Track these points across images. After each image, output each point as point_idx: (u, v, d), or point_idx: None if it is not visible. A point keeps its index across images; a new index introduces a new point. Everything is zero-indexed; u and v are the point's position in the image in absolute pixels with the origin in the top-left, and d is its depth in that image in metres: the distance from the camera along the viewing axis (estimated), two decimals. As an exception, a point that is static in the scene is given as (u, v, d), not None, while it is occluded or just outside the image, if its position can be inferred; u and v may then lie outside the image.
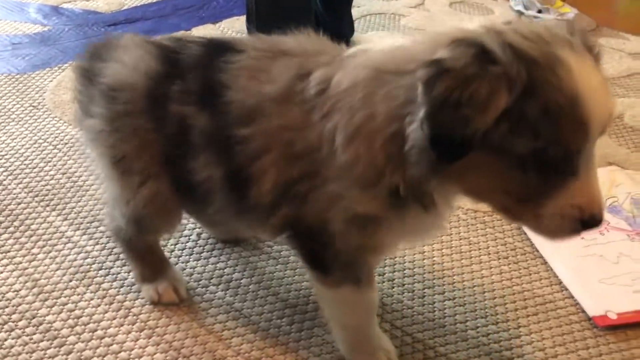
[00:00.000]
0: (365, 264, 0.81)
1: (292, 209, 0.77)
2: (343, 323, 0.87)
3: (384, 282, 1.06)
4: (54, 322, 0.97)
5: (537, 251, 1.13)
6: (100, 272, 1.07)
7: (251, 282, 1.05)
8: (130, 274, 1.04)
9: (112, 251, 1.10)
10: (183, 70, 0.82)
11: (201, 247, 1.12)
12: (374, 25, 2.04)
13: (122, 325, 0.98)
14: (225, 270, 1.08)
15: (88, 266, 1.08)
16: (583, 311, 1.02)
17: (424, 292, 1.04)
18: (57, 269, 1.07)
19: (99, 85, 0.87)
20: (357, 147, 0.69)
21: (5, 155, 1.37)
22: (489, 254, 1.14)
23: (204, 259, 1.09)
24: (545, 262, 1.11)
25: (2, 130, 1.46)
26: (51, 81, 1.67)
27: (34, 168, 1.32)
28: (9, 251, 1.11)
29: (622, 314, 1.00)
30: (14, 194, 1.24)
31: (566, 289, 1.06)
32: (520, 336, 0.98)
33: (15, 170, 1.31)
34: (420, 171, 0.66)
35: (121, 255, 1.07)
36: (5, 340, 0.94)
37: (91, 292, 1.03)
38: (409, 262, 1.10)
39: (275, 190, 0.76)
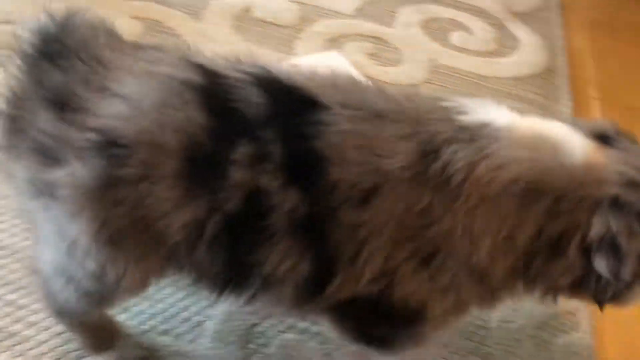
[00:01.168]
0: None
1: (379, 291, 0.62)
2: None
3: None
4: None
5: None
6: None
7: None
8: None
9: None
10: (247, 126, 0.55)
11: None
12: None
13: None
14: None
15: None
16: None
17: None
18: None
19: (85, 130, 0.54)
20: (496, 258, 0.61)
21: None
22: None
23: None
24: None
25: None
26: None
27: None
28: None
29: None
30: None
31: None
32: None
33: None
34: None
35: None
36: None
37: None
38: None
39: (378, 277, 0.61)
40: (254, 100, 0.56)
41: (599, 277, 0.60)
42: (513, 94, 1.35)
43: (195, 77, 0.56)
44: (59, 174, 0.55)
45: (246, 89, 0.57)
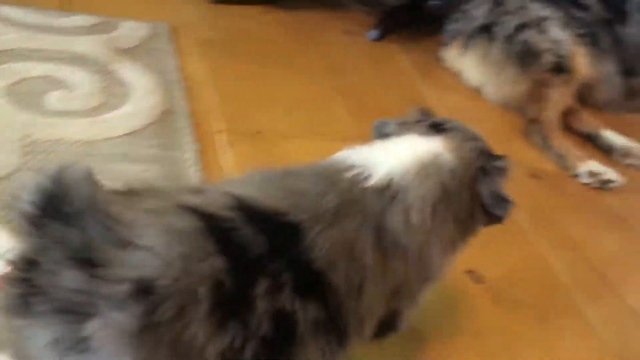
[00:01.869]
0: None
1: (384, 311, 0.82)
2: None
3: None
4: None
5: None
6: None
7: None
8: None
9: None
10: (259, 263, 0.66)
11: None
12: None
13: None
14: None
15: None
16: None
17: None
18: None
19: (117, 282, 0.57)
20: (443, 257, 0.88)
21: None
22: None
23: None
24: None
25: None
26: None
27: None
28: None
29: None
30: None
31: None
32: None
33: None
34: None
35: None
36: None
37: None
38: None
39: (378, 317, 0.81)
40: (254, 238, 0.67)
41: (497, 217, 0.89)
42: (130, 155, 1.21)
43: (201, 225, 0.64)
44: (93, 327, 0.58)
45: (243, 229, 0.67)
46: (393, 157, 0.80)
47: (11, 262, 0.60)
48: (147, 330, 0.59)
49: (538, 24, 1.77)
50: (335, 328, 0.73)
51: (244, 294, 0.64)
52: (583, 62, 1.78)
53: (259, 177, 0.76)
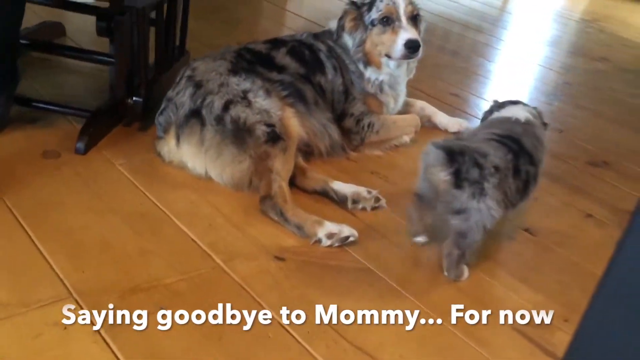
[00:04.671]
0: None
1: None
2: None
3: None
4: None
5: None
6: None
7: None
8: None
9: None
10: (517, 153, 1.54)
11: None
12: None
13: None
14: None
15: None
16: None
17: None
18: None
19: (488, 169, 1.46)
20: None
21: None
22: None
23: None
24: None
25: None
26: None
27: None
28: None
29: None
30: None
31: None
32: None
33: None
34: None
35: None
36: None
37: None
38: None
39: None
40: (510, 145, 1.55)
41: None
42: None
43: (497, 141, 1.54)
44: (487, 186, 1.46)
45: (504, 141, 1.55)
46: (524, 112, 1.68)
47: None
48: (499, 186, 1.44)
49: (243, 97, 1.75)
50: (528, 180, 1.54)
51: (516, 165, 1.48)
52: (293, 124, 1.82)
53: (487, 128, 1.64)
